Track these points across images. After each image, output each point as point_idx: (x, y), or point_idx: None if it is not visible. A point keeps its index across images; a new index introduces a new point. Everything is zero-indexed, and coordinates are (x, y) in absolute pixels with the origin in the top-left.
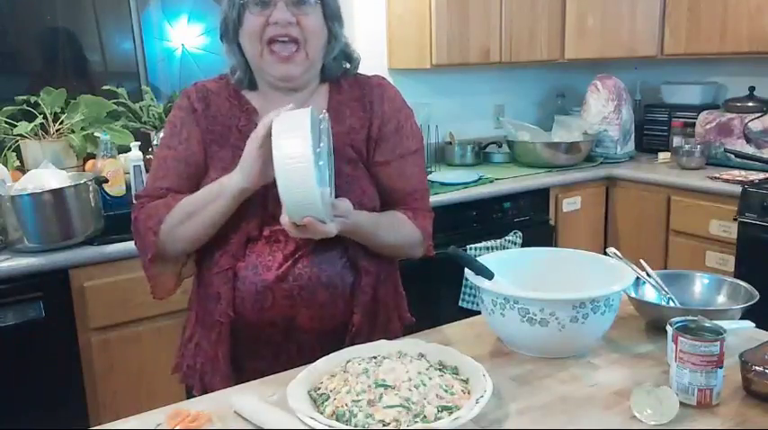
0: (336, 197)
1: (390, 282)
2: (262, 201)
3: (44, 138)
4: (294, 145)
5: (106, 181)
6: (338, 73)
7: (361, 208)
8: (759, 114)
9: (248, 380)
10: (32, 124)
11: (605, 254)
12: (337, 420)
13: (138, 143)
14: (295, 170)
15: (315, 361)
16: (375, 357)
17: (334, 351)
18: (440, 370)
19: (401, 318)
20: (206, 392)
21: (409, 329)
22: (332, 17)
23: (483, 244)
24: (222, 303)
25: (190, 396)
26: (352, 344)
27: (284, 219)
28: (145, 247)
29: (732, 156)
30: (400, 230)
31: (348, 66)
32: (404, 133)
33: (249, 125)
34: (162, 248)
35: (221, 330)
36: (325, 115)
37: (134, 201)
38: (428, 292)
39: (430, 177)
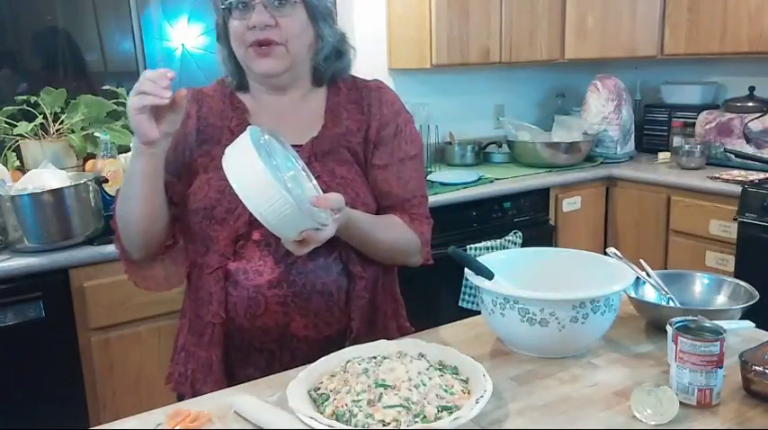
0: None
1: (387, 290)
2: None
3: (44, 138)
4: (247, 175)
5: (106, 181)
6: (331, 73)
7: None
8: (759, 114)
9: None
10: (32, 124)
11: (605, 254)
12: (337, 420)
13: None
14: (259, 196)
15: None
16: (375, 357)
17: None
18: (440, 370)
19: (400, 328)
20: None
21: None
22: (317, 17)
23: (483, 244)
24: (214, 304)
25: None
26: None
27: (284, 242)
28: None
29: (732, 156)
30: (397, 232)
31: (341, 64)
32: (402, 137)
33: (241, 125)
34: (125, 241)
35: (213, 332)
36: (266, 131)
37: None
38: (428, 292)
39: (429, 177)
